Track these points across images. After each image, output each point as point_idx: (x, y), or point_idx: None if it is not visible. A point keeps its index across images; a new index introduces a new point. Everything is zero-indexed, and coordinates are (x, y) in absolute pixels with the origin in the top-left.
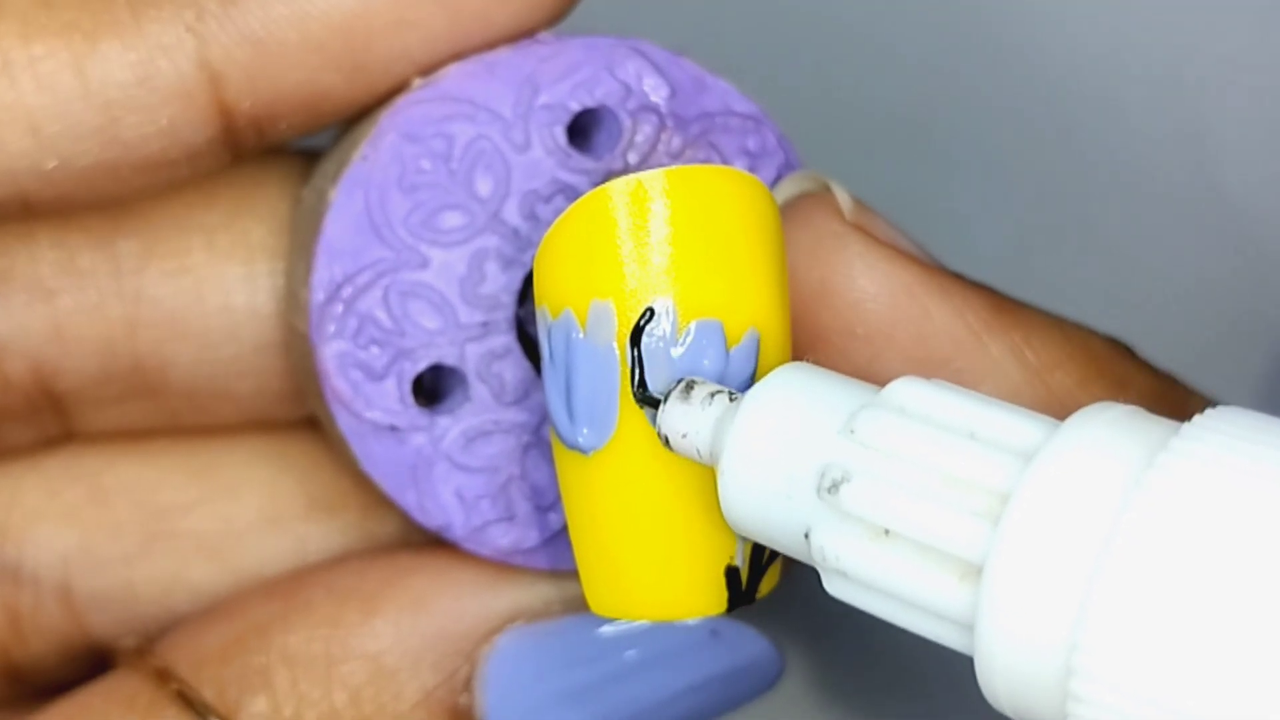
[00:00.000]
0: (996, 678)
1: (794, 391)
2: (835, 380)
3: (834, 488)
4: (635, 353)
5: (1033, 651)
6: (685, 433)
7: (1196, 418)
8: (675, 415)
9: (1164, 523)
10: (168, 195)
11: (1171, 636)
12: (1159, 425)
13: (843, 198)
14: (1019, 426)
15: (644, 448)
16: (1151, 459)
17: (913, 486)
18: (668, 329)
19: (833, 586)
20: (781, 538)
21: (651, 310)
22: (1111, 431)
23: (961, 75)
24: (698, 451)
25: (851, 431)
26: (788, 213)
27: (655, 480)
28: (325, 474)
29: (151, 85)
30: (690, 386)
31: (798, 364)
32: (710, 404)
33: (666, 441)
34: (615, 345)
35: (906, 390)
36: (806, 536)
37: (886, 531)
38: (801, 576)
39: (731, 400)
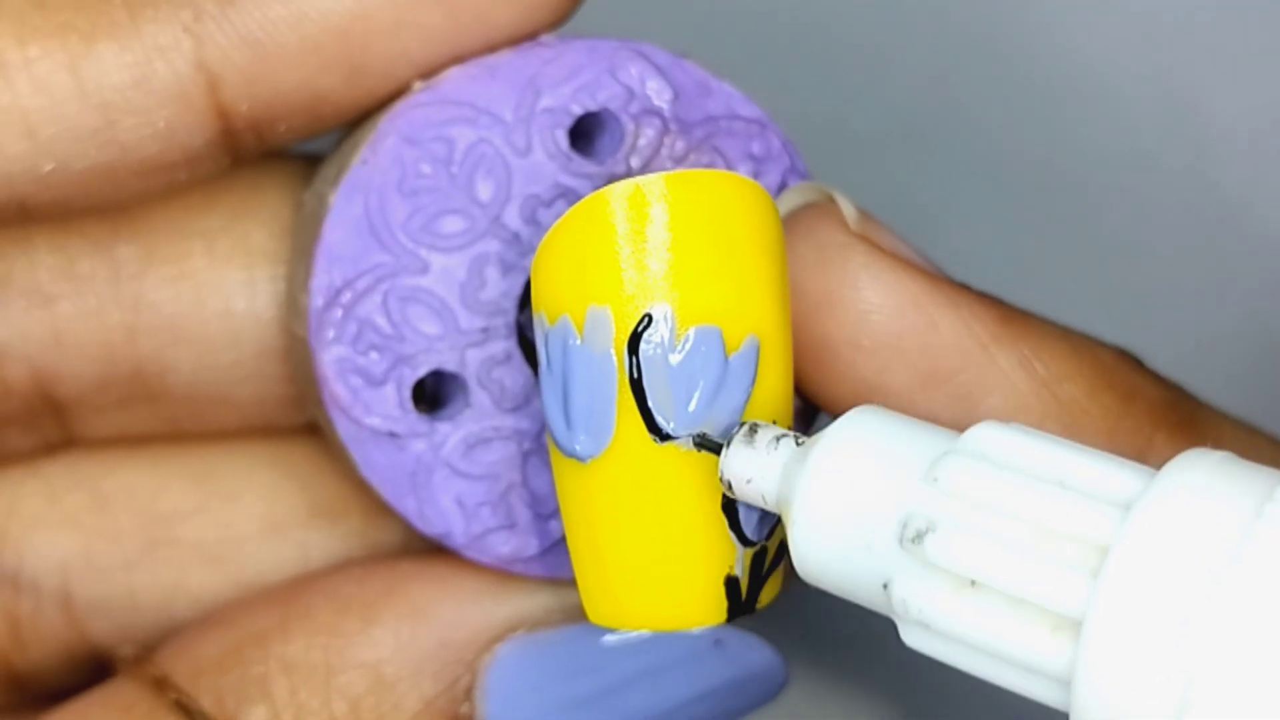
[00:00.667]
0: None
1: (868, 437)
2: (909, 424)
3: (918, 538)
4: (633, 359)
5: (1139, 713)
6: (750, 478)
7: None
8: (740, 460)
9: (1276, 577)
10: (167, 199)
11: None
12: (1259, 474)
13: (847, 208)
14: (1112, 475)
15: (642, 455)
16: (1259, 509)
17: (1002, 537)
18: (666, 335)
19: (912, 639)
20: (857, 588)
21: (650, 316)
22: (1211, 480)
23: (963, 79)
24: (763, 498)
25: (935, 480)
26: (791, 224)
27: (653, 489)
28: (327, 480)
29: (148, 87)
30: (754, 430)
31: (869, 407)
32: (776, 448)
33: (729, 487)
34: (613, 352)
35: (989, 435)
36: (885, 587)
37: (973, 583)
38: (806, 586)
39: (799, 445)
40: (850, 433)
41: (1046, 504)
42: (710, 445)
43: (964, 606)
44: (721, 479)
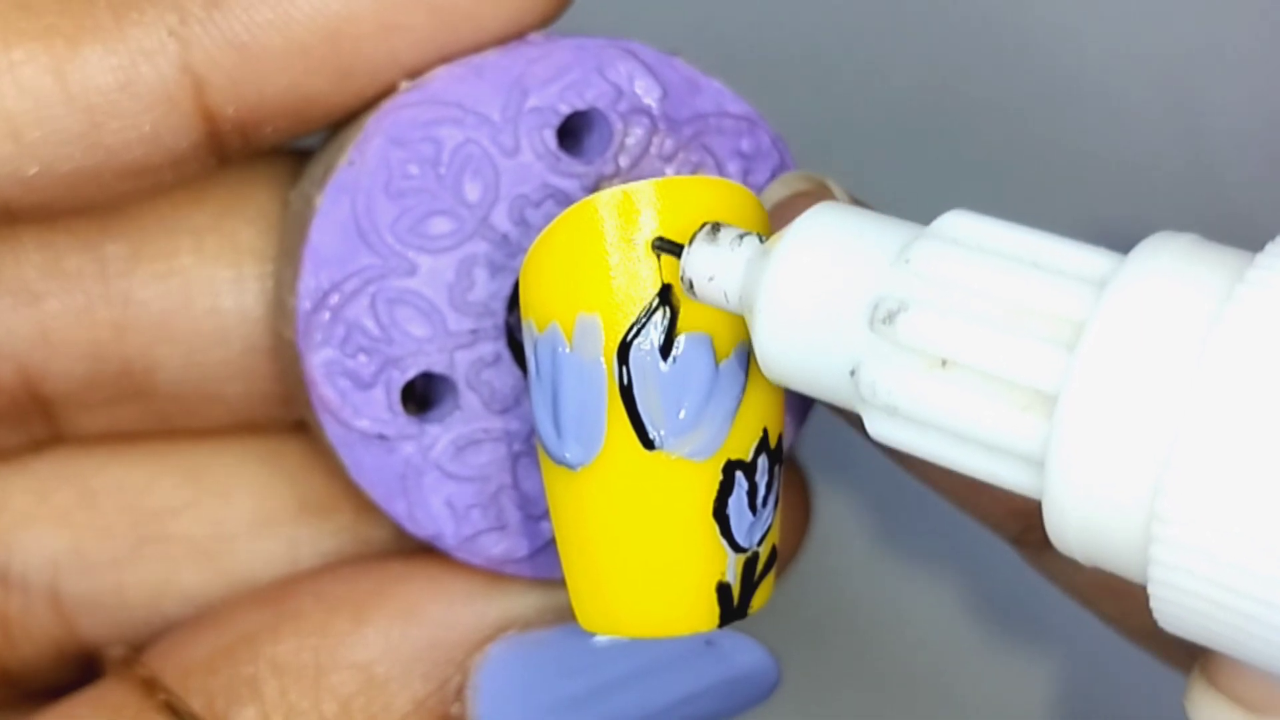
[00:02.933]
0: (1068, 516)
1: (834, 227)
2: (873, 216)
3: (889, 318)
4: (623, 367)
5: (1113, 488)
6: (712, 275)
7: (1270, 246)
8: (701, 257)
9: (1251, 354)
10: (155, 198)
11: (1263, 474)
12: (1229, 254)
13: (840, 193)
14: (1085, 256)
15: (632, 463)
16: (1230, 289)
17: (976, 314)
18: (656, 343)
19: (879, 427)
20: (822, 379)
21: (639, 324)
22: (1184, 261)
23: (958, 74)
24: (725, 296)
25: (907, 261)
26: (785, 212)
27: (644, 496)
28: (316, 477)
29: (134, 90)
30: (717, 228)
31: (832, 202)
32: (740, 245)
33: (690, 287)
34: (602, 360)
35: (960, 221)
36: (853, 374)
37: (944, 362)
38: (798, 586)
39: (763, 242)
40: (816, 224)
41: (1020, 282)
42: (670, 247)
43: (934, 385)
44: (682, 278)
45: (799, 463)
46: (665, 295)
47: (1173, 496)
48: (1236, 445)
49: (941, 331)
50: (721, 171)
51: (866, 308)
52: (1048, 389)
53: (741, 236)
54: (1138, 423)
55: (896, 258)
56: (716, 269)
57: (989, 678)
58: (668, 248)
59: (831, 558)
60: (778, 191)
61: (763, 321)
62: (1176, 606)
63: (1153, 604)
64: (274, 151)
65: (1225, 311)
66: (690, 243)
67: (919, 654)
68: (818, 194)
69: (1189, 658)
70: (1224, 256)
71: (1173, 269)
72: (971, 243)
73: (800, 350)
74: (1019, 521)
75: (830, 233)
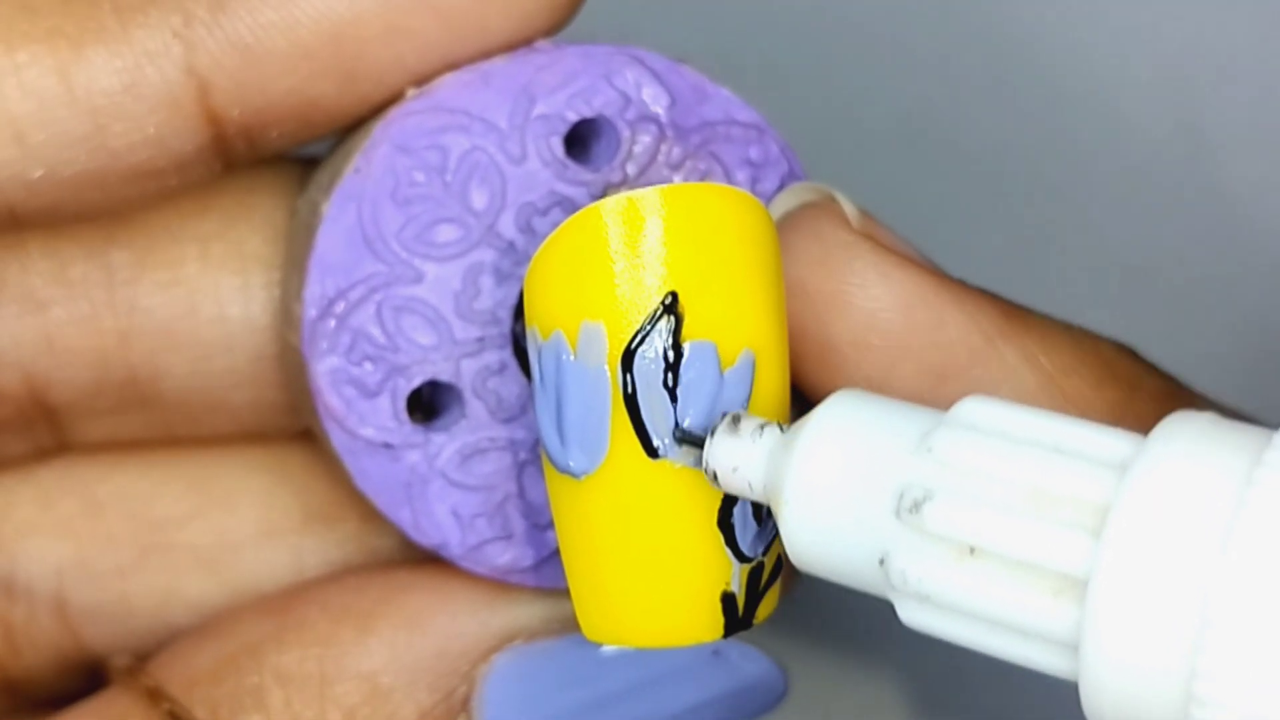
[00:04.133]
0: (1105, 698)
1: (854, 416)
2: (893, 405)
3: (915, 508)
4: (627, 375)
5: (1148, 670)
6: (736, 467)
7: None
8: (724, 450)
9: (1273, 535)
10: (161, 204)
11: None
12: (1246, 434)
13: (847, 207)
14: (1104, 438)
15: (636, 472)
16: (1249, 472)
17: (1001, 502)
18: (660, 350)
19: (911, 615)
20: (852, 568)
21: (644, 332)
22: (1203, 443)
23: (963, 81)
24: (749, 486)
25: (929, 450)
26: (792, 224)
27: (648, 505)
28: (322, 485)
29: (138, 93)
30: (736, 420)
31: (850, 389)
32: (761, 436)
33: (714, 478)
34: (607, 367)
35: (977, 408)
36: (882, 563)
37: (972, 550)
38: (805, 596)
39: (783, 431)
40: (836, 413)
41: (1042, 468)
42: (692, 439)
43: (964, 574)
44: (706, 470)
45: None
46: (670, 303)
47: (1209, 678)
48: (1268, 628)
49: (967, 520)
50: (729, 179)
51: (891, 497)
52: (1076, 574)
53: (762, 427)
54: (1168, 605)
55: (918, 446)
56: (739, 461)
57: (995, 686)
58: (689, 439)
59: None
60: (785, 202)
61: (788, 514)
62: None
63: None
64: (280, 159)
65: (1247, 495)
66: (712, 435)
67: (928, 665)
68: (824, 206)
69: None
70: (1241, 437)
71: (1192, 451)
72: (991, 429)
73: (828, 541)
74: None
75: (850, 422)
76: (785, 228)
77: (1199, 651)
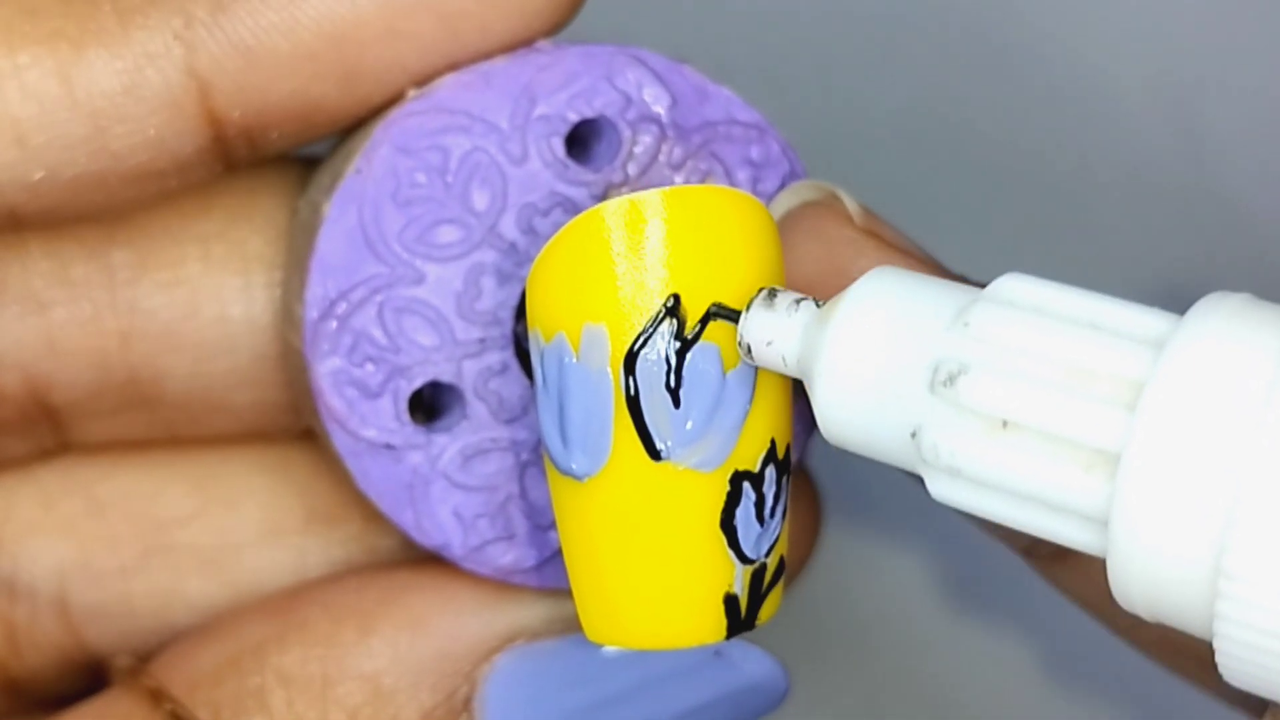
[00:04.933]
0: (1133, 574)
1: (892, 292)
2: (930, 280)
3: (950, 380)
4: (630, 378)
5: (1177, 544)
6: (770, 340)
7: None
8: (759, 322)
9: None
10: (162, 204)
11: None
12: None
13: (850, 205)
14: (1141, 318)
15: (639, 474)
16: None
17: (1036, 376)
18: (663, 353)
19: (941, 488)
20: (883, 441)
21: (646, 334)
22: (1239, 322)
23: (963, 80)
24: (783, 360)
25: (966, 325)
26: (795, 222)
27: (651, 507)
28: (325, 486)
29: (139, 94)
30: (773, 294)
31: (888, 267)
32: (797, 310)
33: (748, 351)
34: (609, 370)
35: (1016, 284)
36: (914, 436)
37: (1005, 424)
38: (808, 596)
39: (819, 306)
40: (873, 288)
41: (1079, 344)
42: (727, 313)
43: (996, 447)
44: (740, 343)
45: (809, 473)
46: (672, 305)
47: (1238, 553)
48: None
49: (1002, 393)
50: (731, 179)
51: (926, 371)
52: (1110, 448)
53: (798, 301)
54: (1201, 481)
55: (954, 321)
56: (774, 334)
57: (999, 689)
58: (724, 314)
59: (841, 567)
60: (787, 201)
61: (823, 386)
62: (1243, 662)
63: (1218, 659)
64: (282, 159)
65: None
66: (748, 308)
67: (929, 665)
68: (827, 203)
69: (1198, 668)
70: (1276, 316)
71: (1228, 330)
72: (1028, 305)
73: (860, 414)
74: (1021, 537)
75: (887, 297)
76: (788, 226)
77: (1230, 527)
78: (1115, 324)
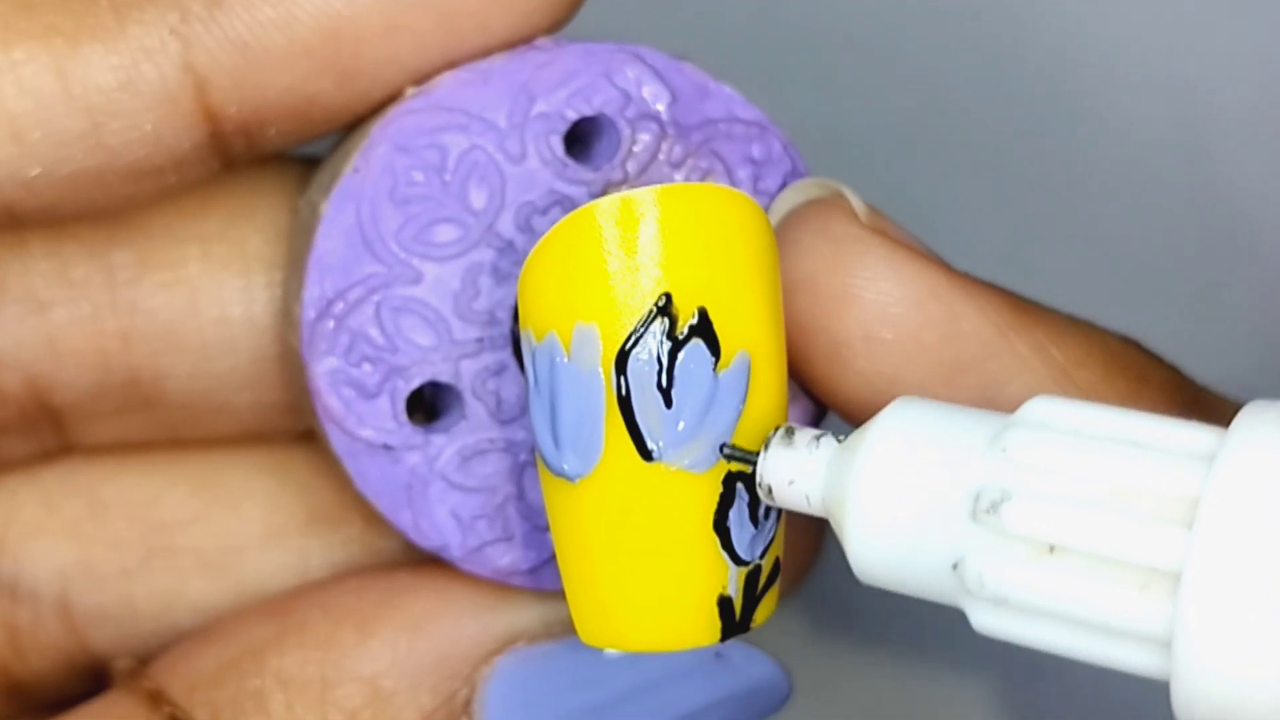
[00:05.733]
0: (1198, 694)
1: (919, 422)
2: (954, 409)
3: (993, 508)
4: (621, 378)
5: (1248, 665)
6: (793, 480)
7: None
8: (779, 462)
9: None
10: (162, 203)
11: None
12: None
13: (856, 203)
14: (1182, 433)
15: (631, 475)
16: None
17: (1083, 498)
18: (655, 352)
19: (986, 620)
20: (921, 575)
21: (637, 333)
22: None
23: (964, 78)
24: (807, 499)
25: (1003, 450)
26: (800, 220)
27: (643, 508)
28: (326, 487)
29: (135, 90)
30: (790, 431)
31: (908, 397)
32: (818, 447)
33: (769, 492)
34: (600, 370)
35: (1047, 407)
36: (955, 568)
37: (1052, 549)
38: (810, 597)
39: (840, 441)
40: (899, 419)
41: (1123, 463)
42: (741, 456)
43: (1045, 572)
44: (760, 484)
45: None
46: (663, 304)
47: None
48: None
49: (1049, 517)
50: (731, 178)
51: (966, 500)
52: (1167, 567)
53: (818, 438)
54: (1270, 596)
55: (989, 448)
56: (796, 473)
57: (999, 691)
58: (738, 456)
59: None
60: (790, 199)
61: (855, 522)
62: None
63: None
64: (283, 158)
65: None
66: (766, 447)
67: (932, 667)
68: (833, 201)
69: None
70: None
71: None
72: (1064, 427)
73: (896, 550)
74: None
75: (914, 428)
76: (793, 224)
77: None
78: (1156, 440)
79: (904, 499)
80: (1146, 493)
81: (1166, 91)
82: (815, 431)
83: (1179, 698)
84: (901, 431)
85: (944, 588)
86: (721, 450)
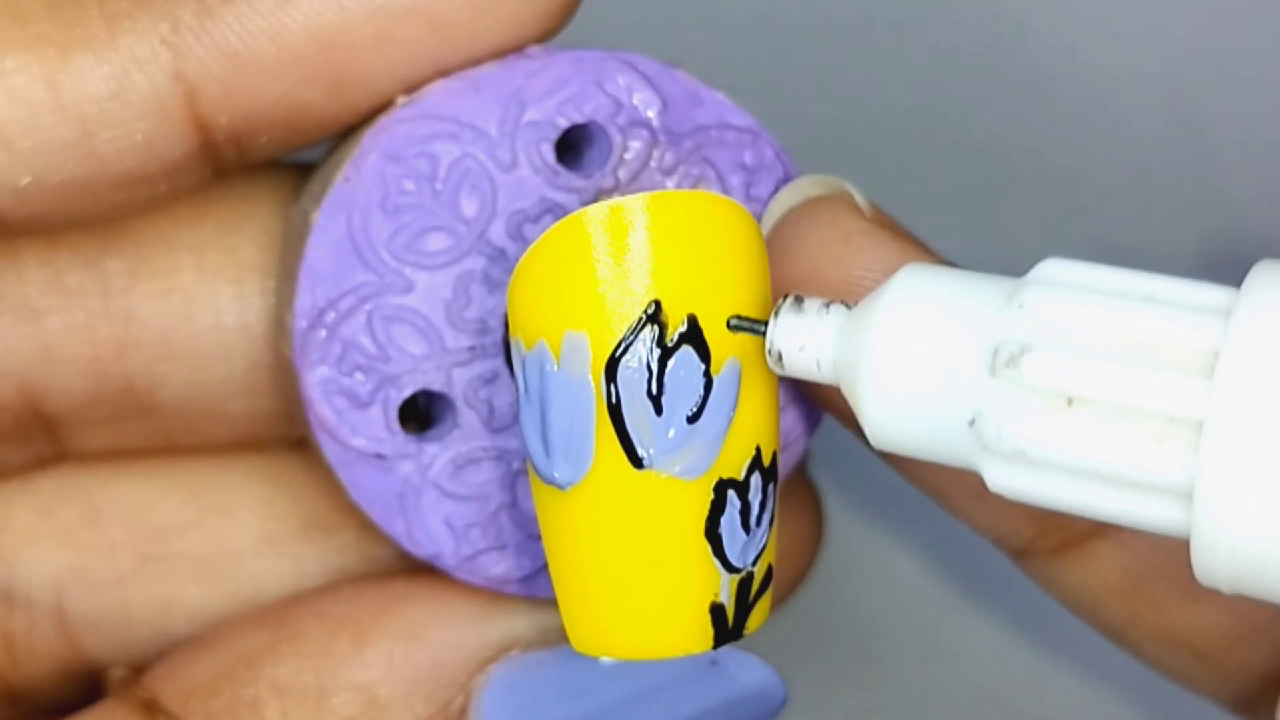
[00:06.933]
0: (1219, 543)
1: (932, 284)
2: (965, 273)
3: (1012, 361)
4: (611, 385)
5: (1271, 511)
6: (803, 345)
7: None
8: (790, 328)
9: None
10: (156, 211)
11: None
12: None
13: (860, 199)
14: (1197, 290)
15: (622, 482)
16: None
17: (1103, 350)
18: (644, 360)
19: (1002, 477)
20: (936, 434)
21: (627, 341)
22: None
23: (960, 83)
24: (817, 364)
25: (1020, 307)
26: (805, 216)
27: (634, 515)
28: (321, 494)
29: (126, 99)
30: (800, 299)
31: (919, 264)
32: (828, 312)
33: (779, 359)
34: (590, 377)
35: (1061, 267)
36: (972, 424)
37: (1070, 401)
38: (806, 602)
39: (850, 309)
40: (912, 281)
41: (1141, 317)
42: (749, 326)
43: (1065, 424)
44: (770, 351)
45: (810, 478)
46: (653, 312)
47: None
48: None
49: (1068, 369)
50: (724, 184)
51: (984, 355)
52: (1188, 416)
53: (827, 305)
54: None
55: (1006, 306)
56: (807, 338)
57: (1000, 693)
58: (746, 326)
59: (840, 573)
60: (790, 197)
61: (869, 383)
62: None
63: None
64: (277, 165)
65: None
66: (776, 314)
67: (929, 672)
68: (837, 197)
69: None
70: None
71: None
72: (1080, 285)
73: (912, 409)
74: (1024, 531)
75: (928, 290)
76: (798, 220)
77: None
78: (1171, 296)
79: (920, 358)
80: (1165, 345)
81: (1166, 91)
82: (824, 299)
83: (1199, 553)
84: (915, 292)
85: (960, 447)
86: (729, 322)
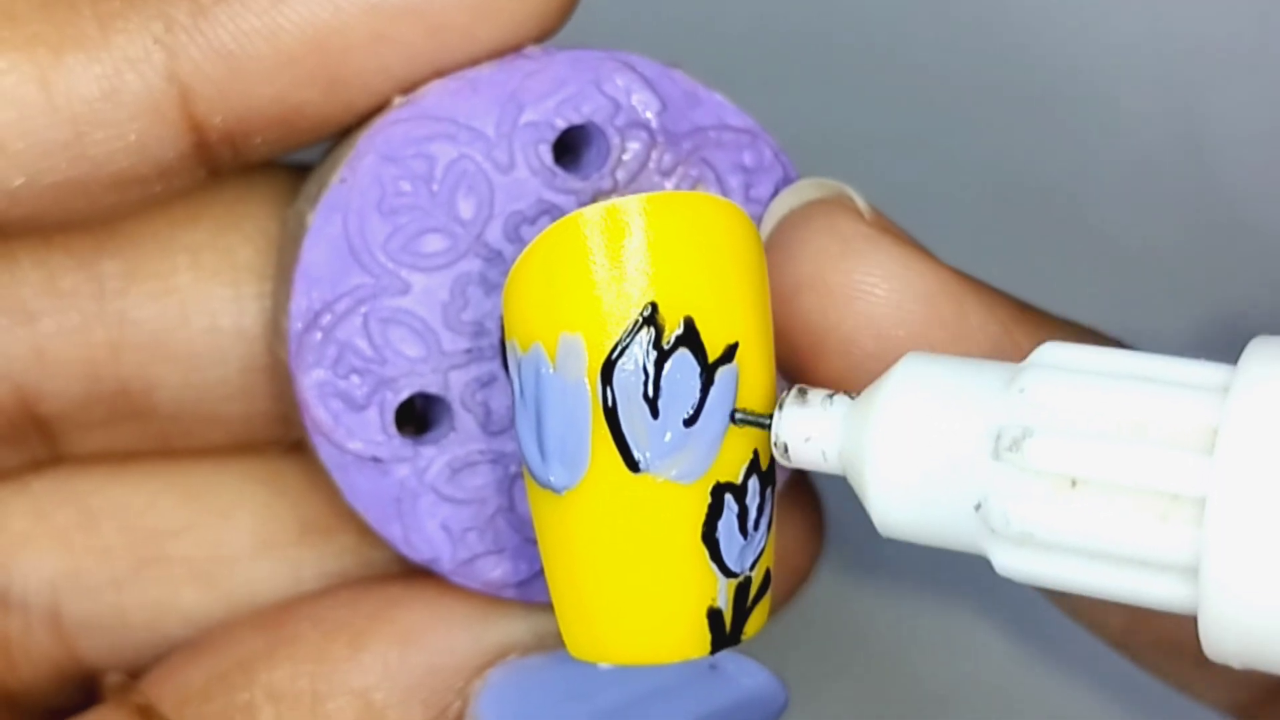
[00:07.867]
0: (1228, 619)
1: (932, 372)
2: (963, 360)
3: (1015, 445)
4: (607, 389)
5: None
6: (809, 436)
7: None
8: (795, 420)
9: None
10: (151, 213)
11: None
12: None
13: (860, 202)
14: (1193, 368)
15: (618, 486)
16: None
17: (1104, 432)
18: (640, 362)
19: (1009, 560)
20: (942, 521)
21: (623, 344)
22: None
23: (959, 82)
24: (823, 455)
25: (1021, 391)
26: (805, 219)
27: (630, 519)
28: (318, 497)
29: (118, 99)
30: (803, 391)
31: (917, 352)
32: (831, 403)
33: (785, 451)
34: (586, 380)
35: (1059, 351)
36: (978, 508)
37: (1074, 482)
38: (807, 606)
39: (853, 399)
40: (913, 370)
41: (1140, 396)
42: (754, 420)
43: (1069, 505)
44: (775, 443)
45: (811, 482)
46: (649, 314)
47: None
48: None
49: (1071, 450)
50: (722, 185)
51: (987, 440)
52: (1190, 493)
53: (831, 396)
54: None
55: (1006, 391)
56: (812, 430)
57: (1000, 698)
58: (751, 420)
59: (841, 577)
60: (789, 200)
61: (875, 472)
62: None
63: None
64: (273, 166)
65: None
66: (780, 406)
67: (931, 676)
68: (837, 201)
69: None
70: None
71: None
72: (1078, 368)
73: (917, 496)
74: None
75: (928, 378)
76: (797, 223)
77: None
78: (1169, 376)
79: (923, 446)
80: (1164, 423)
81: (1166, 91)
82: (828, 390)
83: (1207, 629)
84: (916, 381)
85: (967, 532)
86: (733, 417)
